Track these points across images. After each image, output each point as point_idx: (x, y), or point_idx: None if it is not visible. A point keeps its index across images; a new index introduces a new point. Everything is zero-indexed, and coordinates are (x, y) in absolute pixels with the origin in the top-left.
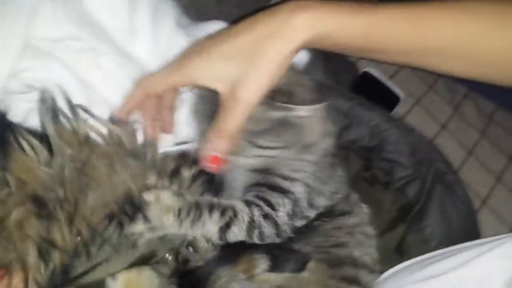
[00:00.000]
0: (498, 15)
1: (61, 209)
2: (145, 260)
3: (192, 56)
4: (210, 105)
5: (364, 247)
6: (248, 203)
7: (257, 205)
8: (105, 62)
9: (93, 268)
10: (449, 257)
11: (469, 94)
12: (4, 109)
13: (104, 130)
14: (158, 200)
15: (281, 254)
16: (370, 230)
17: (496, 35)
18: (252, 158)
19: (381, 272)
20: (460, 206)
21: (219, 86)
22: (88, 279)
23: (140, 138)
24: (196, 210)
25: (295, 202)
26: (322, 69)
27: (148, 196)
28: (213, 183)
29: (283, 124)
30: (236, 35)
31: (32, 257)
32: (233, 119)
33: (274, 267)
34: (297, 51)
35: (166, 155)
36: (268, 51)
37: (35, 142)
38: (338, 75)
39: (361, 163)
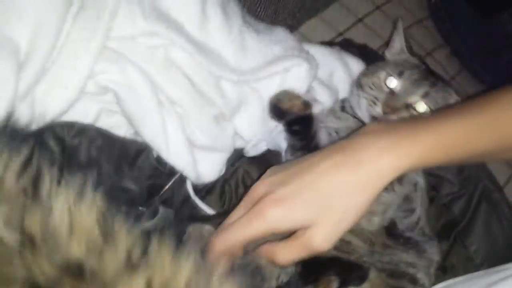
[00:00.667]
0: None
1: None
2: None
3: (269, 204)
4: None
5: (428, 272)
6: None
7: None
8: (179, 55)
9: None
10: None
11: None
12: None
13: None
14: None
15: (347, 271)
16: (436, 256)
17: None
18: None
19: None
20: (506, 225)
21: (298, 227)
22: None
23: None
24: None
25: None
26: None
27: None
28: None
29: None
30: (318, 180)
31: None
32: (289, 252)
33: (343, 284)
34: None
35: None
36: (356, 203)
37: None
38: None
39: None
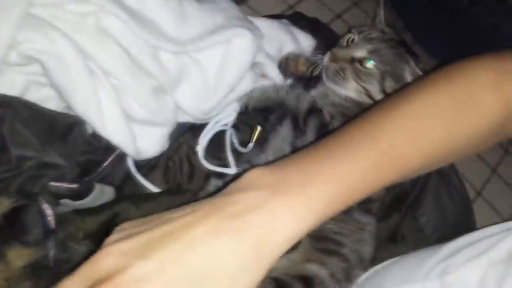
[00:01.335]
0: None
1: None
2: None
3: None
4: None
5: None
6: None
7: None
8: (112, 23)
9: None
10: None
11: None
12: None
13: None
14: None
15: None
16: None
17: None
18: None
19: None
20: (455, 196)
21: None
22: None
23: None
24: None
25: None
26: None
27: None
28: None
29: None
30: (190, 253)
31: None
32: None
33: None
34: None
35: None
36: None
37: None
38: None
39: None
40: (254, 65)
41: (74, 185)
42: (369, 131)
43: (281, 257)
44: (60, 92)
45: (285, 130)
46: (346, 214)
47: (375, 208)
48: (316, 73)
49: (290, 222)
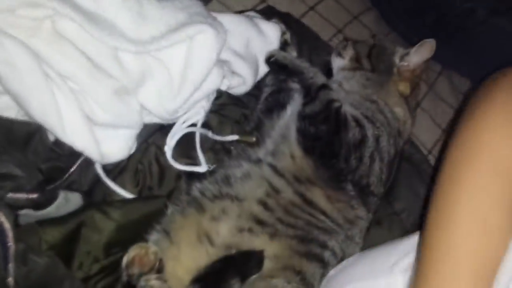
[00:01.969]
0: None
1: None
2: None
3: None
4: None
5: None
6: None
7: None
8: (67, 26)
9: None
10: None
11: (443, 71)
12: None
13: None
14: None
15: (243, 266)
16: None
17: None
18: None
19: None
20: (428, 183)
21: None
22: None
23: None
24: None
25: None
26: (296, 48)
27: None
28: None
29: None
30: None
31: None
32: None
33: (243, 280)
34: None
35: None
36: None
37: None
38: (312, 55)
39: None
40: (222, 63)
41: (34, 195)
42: None
43: None
44: (15, 99)
45: (295, 104)
46: (346, 195)
47: (373, 204)
48: None
49: None
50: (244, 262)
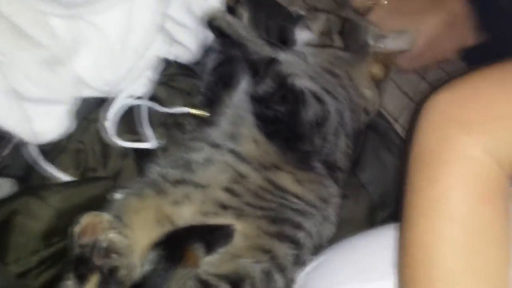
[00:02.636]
0: None
1: None
2: None
3: None
4: None
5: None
6: None
7: None
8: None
9: None
10: None
11: None
12: None
13: None
14: None
15: (209, 236)
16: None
17: None
18: None
19: None
20: (394, 150)
21: None
22: None
23: None
24: None
25: None
26: (264, 28)
27: None
28: None
29: None
30: None
31: None
32: None
33: (209, 250)
34: None
35: None
36: None
37: None
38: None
39: None
40: (164, 32)
41: None
42: None
43: None
44: None
45: (244, 84)
46: (317, 175)
47: (341, 179)
48: None
49: None
50: (210, 231)
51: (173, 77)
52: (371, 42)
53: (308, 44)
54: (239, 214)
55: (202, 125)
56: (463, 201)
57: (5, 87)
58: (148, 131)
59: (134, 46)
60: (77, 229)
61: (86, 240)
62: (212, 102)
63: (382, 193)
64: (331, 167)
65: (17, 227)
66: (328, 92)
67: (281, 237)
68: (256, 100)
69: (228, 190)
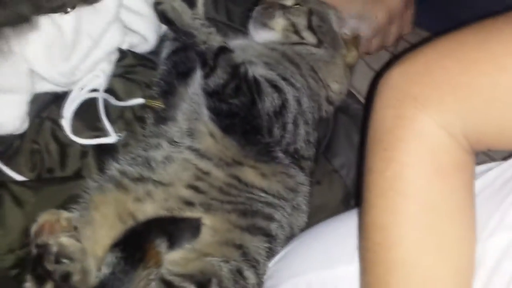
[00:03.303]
0: None
1: None
2: None
3: None
4: None
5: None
6: None
7: None
8: None
9: None
10: None
11: None
12: None
13: None
14: None
15: (173, 229)
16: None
17: None
18: None
19: None
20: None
21: None
22: None
23: None
24: None
25: None
26: (224, 11)
27: None
28: None
29: None
30: None
31: None
32: None
33: (173, 244)
34: None
35: None
36: None
37: None
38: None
39: None
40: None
41: None
42: None
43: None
44: None
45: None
46: (280, 165)
47: (307, 167)
48: None
49: None
50: (174, 223)
51: (131, 68)
52: (336, 29)
53: (272, 43)
54: (207, 208)
55: (160, 120)
56: (419, 178)
57: None
58: (106, 124)
59: (88, 34)
60: (33, 228)
61: (43, 239)
62: (167, 93)
63: (355, 177)
64: (293, 156)
65: None
66: (285, 79)
67: (253, 229)
68: (208, 93)
69: (192, 187)
